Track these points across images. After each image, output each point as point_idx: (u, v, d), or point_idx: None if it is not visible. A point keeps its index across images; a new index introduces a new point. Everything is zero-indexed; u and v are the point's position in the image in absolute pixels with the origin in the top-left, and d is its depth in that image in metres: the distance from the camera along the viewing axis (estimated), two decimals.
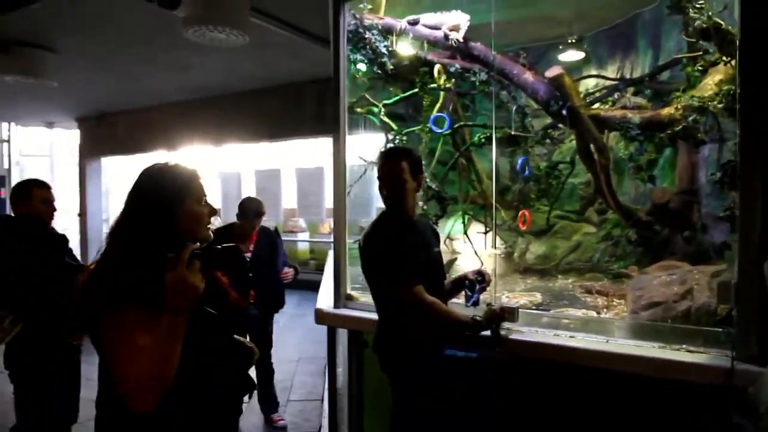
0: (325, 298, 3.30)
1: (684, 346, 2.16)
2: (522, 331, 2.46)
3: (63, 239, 2.98)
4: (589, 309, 3.05)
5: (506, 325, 2.50)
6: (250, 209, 4.47)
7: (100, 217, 11.95)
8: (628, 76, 5.80)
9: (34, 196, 2.88)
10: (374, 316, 2.78)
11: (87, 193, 11.62)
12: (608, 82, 5.39)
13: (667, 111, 3.34)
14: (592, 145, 3.66)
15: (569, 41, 5.73)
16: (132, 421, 1.39)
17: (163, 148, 11.01)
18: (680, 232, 4.36)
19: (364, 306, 2.91)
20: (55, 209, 3.02)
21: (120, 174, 13.59)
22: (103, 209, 12.34)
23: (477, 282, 2.48)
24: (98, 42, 6.41)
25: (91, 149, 11.53)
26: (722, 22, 2.79)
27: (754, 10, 1.98)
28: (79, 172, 11.78)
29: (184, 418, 1.48)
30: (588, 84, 5.71)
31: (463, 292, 2.53)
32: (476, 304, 2.45)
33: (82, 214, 11.62)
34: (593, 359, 2.21)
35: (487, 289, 2.53)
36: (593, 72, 6.08)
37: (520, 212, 4.09)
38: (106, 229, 9.75)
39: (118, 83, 8.63)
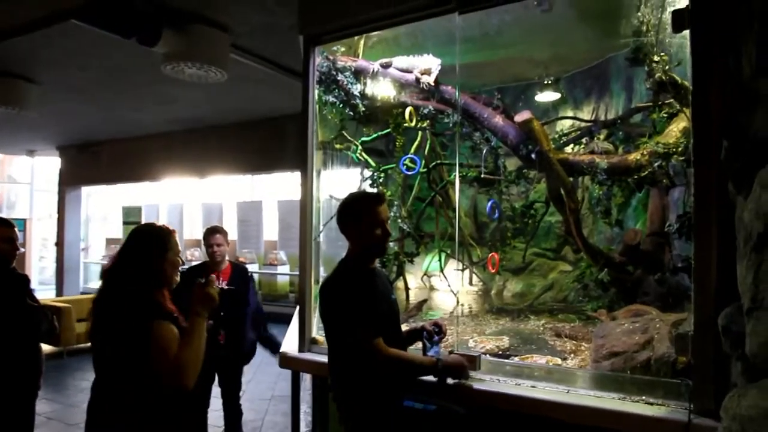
0: (291, 340, 3.25)
1: (643, 397, 2.14)
2: (483, 380, 2.43)
3: (24, 280, 2.92)
4: (556, 354, 3.02)
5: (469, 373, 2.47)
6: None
7: (78, 246, 11.81)
8: (602, 117, 5.91)
9: None
10: None
11: (65, 222, 11.51)
12: (583, 123, 5.48)
13: (633, 156, 3.38)
14: (561, 189, 3.69)
15: (546, 82, 5.85)
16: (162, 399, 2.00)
17: (145, 178, 11.00)
18: (652, 274, 4.38)
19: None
20: (17, 248, 2.96)
21: (100, 203, 13.53)
22: (81, 238, 12.21)
23: (435, 333, 2.43)
24: (81, 74, 6.44)
25: (72, 178, 11.47)
26: (678, 78, 2.86)
27: (704, 68, 2.03)
28: (59, 201, 11.69)
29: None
30: (564, 124, 5.80)
31: (420, 343, 2.47)
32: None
33: (60, 243, 11.49)
34: (554, 411, 2.18)
35: (443, 341, 2.49)
36: (569, 112, 6.18)
37: (490, 255, 4.09)
38: (84, 259, 9.64)
39: (100, 114, 8.65)
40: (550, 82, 5.92)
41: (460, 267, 5.99)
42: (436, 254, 6.02)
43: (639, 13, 3.01)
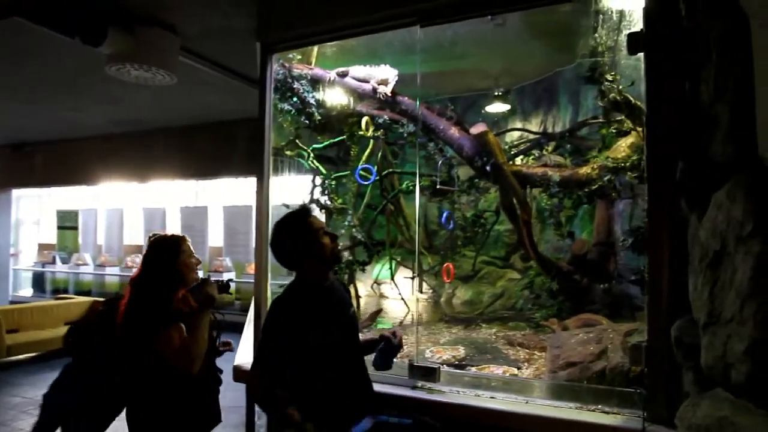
0: (245, 351, 3.17)
1: (599, 406, 2.20)
2: (443, 392, 2.44)
3: None
4: (511, 363, 3.07)
5: (428, 384, 2.47)
6: None
7: (7, 251, 11.14)
8: (550, 129, 6.09)
9: None
10: None
11: None
12: (532, 135, 5.63)
13: (584, 170, 3.50)
14: (514, 200, 3.77)
15: (496, 93, 5.98)
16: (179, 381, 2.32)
17: (83, 182, 10.52)
18: (598, 283, 4.53)
19: None
20: None
21: (32, 207, 12.86)
22: (11, 243, 11.55)
23: (392, 344, 2.32)
24: (17, 72, 6.09)
25: (2, 179, 10.84)
26: (632, 98, 2.98)
27: (657, 90, 2.12)
28: None
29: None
30: (513, 136, 5.95)
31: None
32: (388, 367, 2.32)
33: None
34: (514, 421, 2.21)
35: (399, 352, 2.39)
36: (518, 124, 6.34)
37: (445, 265, 4.13)
38: (15, 265, 9.10)
39: (38, 113, 8.21)
40: (500, 93, 6.06)
41: (413, 275, 6.05)
42: (387, 262, 6.03)
43: (596, 34, 3.11)
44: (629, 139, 3.49)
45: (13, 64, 5.82)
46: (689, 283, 1.91)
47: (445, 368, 2.68)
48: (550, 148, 4.91)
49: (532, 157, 4.44)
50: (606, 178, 3.34)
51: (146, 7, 4.43)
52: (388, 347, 2.33)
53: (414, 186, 5.29)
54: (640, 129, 3.01)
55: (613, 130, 3.61)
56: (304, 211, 2.35)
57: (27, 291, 11.89)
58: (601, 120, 3.68)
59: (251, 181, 9.96)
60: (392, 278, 5.79)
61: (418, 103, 3.39)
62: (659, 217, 2.16)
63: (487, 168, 3.55)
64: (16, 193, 11.41)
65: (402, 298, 5.61)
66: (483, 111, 5.91)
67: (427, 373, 2.48)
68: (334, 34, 2.86)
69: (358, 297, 5.89)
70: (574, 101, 5.79)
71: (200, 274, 2.63)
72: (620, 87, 3.00)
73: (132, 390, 2.43)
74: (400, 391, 2.47)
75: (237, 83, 6.21)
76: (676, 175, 1.91)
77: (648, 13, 2.16)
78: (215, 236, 10.33)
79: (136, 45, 4.66)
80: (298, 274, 2.29)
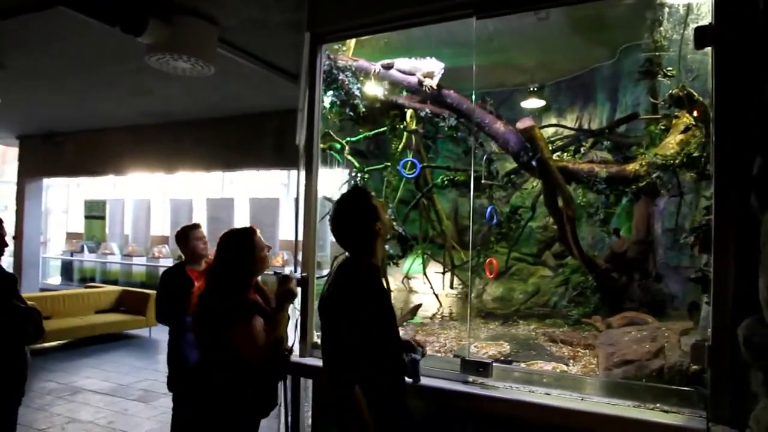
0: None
1: (658, 405, 2.16)
2: (497, 387, 2.42)
3: (11, 279, 2.76)
4: (557, 360, 3.04)
5: (480, 380, 2.46)
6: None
7: (38, 240, 11.33)
8: (585, 126, 6.01)
9: None
10: None
11: (25, 215, 11.02)
12: (567, 131, 5.56)
13: (632, 167, 3.44)
14: (558, 196, 3.72)
15: (531, 89, 5.92)
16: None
17: (112, 171, 10.65)
18: (637, 281, 4.47)
19: None
20: (6, 244, 2.80)
21: (60, 196, 13.05)
22: (41, 231, 11.73)
23: (412, 357, 2.25)
24: (52, 61, 6.17)
25: (33, 169, 10.99)
26: (695, 92, 2.92)
27: (727, 85, 2.07)
28: (17, 192, 11.18)
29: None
30: (547, 132, 5.88)
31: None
32: (416, 380, 2.24)
33: (18, 237, 11.00)
34: (571, 419, 2.18)
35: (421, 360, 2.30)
36: (552, 120, 6.27)
37: (488, 260, 4.09)
38: (44, 253, 9.26)
39: (68, 104, 8.32)
40: (535, 89, 6.00)
41: (444, 270, 6.03)
42: (418, 256, 6.02)
43: (661, 28, 3.05)
44: (678, 136, 3.42)
45: (46, 54, 5.90)
46: (760, 282, 1.87)
47: (496, 364, 2.64)
48: (587, 145, 4.84)
49: (577, 154, 4.37)
50: (655, 175, 3.28)
51: None
52: (417, 360, 2.26)
53: (448, 181, 5.28)
54: (701, 125, 2.95)
55: (662, 126, 3.54)
56: (367, 190, 2.31)
57: (55, 279, 12.08)
58: (655, 116, 3.60)
59: (278, 174, 10.03)
60: (424, 273, 5.78)
61: (474, 96, 3.34)
62: (726, 214, 2.11)
63: (533, 163, 3.50)
64: (45, 182, 11.57)
65: (434, 293, 5.60)
66: (517, 107, 5.87)
67: (480, 368, 2.45)
68: (387, 25, 2.83)
69: (389, 290, 5.89)
70: (613, 98, 5.70)
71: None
72: (683, 82, 2.94)
73: (202, 376, 2.47)
74: (452, 386, 2.45)
75: (267, 75, 6.23)
76: (750, 171, 1.86)
77: (719, 7, 2.10)
78: None
79: (176, 35, 4.69)
80: (359, 255, 2.10)
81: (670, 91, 3.01)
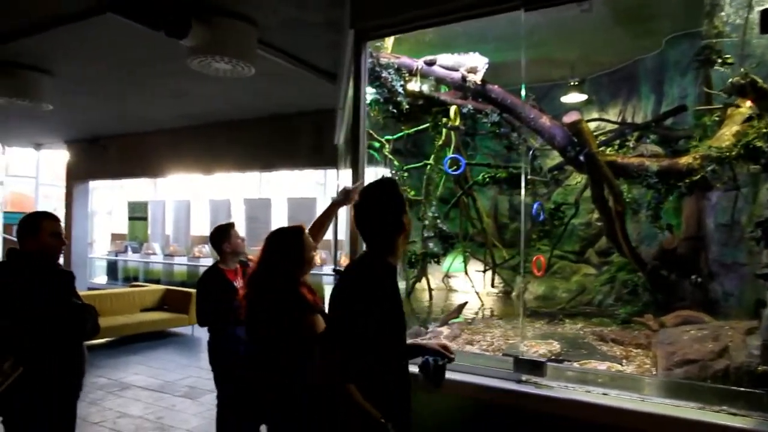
0: None
1: (724, 408, 2.08)
2: (551, 386, 2.37)
3: (70, 277, 2.83)
4: (609, 359, 2.96)
5: (534, 379, 2.41)
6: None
7: (85, 241, 11.67)
8: (629, 120, 5.87)
9: (43, 229, 2.72)
10: None
11: (73, 217, 11.36)
12: (610, 126, 5.43)
13: (685, 160, 3.33)
14: (606, 191, 3.63)
15: (572, 83, 5.80)
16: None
17: (152, 174, 10.89)
18: (688, 279, 4.34)
19: None
20: (64, 243, 2.87)
21: (105, 198, 13.40)
22: (88, 233, 12.08)
23: (437, 362, 2.07)
24: (96, 67, 6.33)
25: (80, 172, 11.33)
26: (759, 79, 2.80)
27: None
28: (66, 195, 11.54)
29: None
30: (589, 126, 5.76)
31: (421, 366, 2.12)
32: (438, 385, 2.07)
33: (66, 238, 11.33)
34: (631, 420, 2.12)
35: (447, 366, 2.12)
36: (594, 114, 6.14)
37: (535, 257, 4.02)
38: (91, 254, 9.53)
39: (112, 108, 8.53)
40: (575, 83, 5.88)
41: (485, 268, 5.96)
42: (459, 254, 5.97)
43: (722, 13, 2.94)
44: (732, 127, 3.29)
45: (91, 61, 6.05)
46: None
47: (550, 363, 2.59)
48: (633, 139, 4.72)
49: (622, 148, 4.26)
50: (710, 168, 3.16)
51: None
52: (443, 365, 2.08)
53: (489, 178, 5.22)
54: (766, 114, 2.83)
55: (716, 118, 3.42)
56: (395, 181, 2.15)
57: (101, 279, 12.42)
58: (714, 107, 3.46)
59: (315, 174, 10.06)
60: (465, 271, 5.73)
61: (523, 91, 3.27)
62: None
63: (581, 158, 3.42)
64: (91, 185, 11.91)
65: (476, 292, 5.55)
66: (557, 102, 5.76)
67: (534, 368, 2.41)
68: (433, 20, 2.79)
69: (430, 290, 5.86)
70: (658, 90, 5.55)
71: None
72: (744, 69, 2.82)
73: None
74: (505, 385, 2.41)
75: (304, 75, 6.26)
76: None
77: None
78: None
79: (218, 37, 4.75)
80: (376, 250, 1.96)
81: (731, 79, 2.89)
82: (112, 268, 12.39)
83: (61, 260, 9.25)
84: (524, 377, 2.43)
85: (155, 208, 11.88)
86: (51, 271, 2.72)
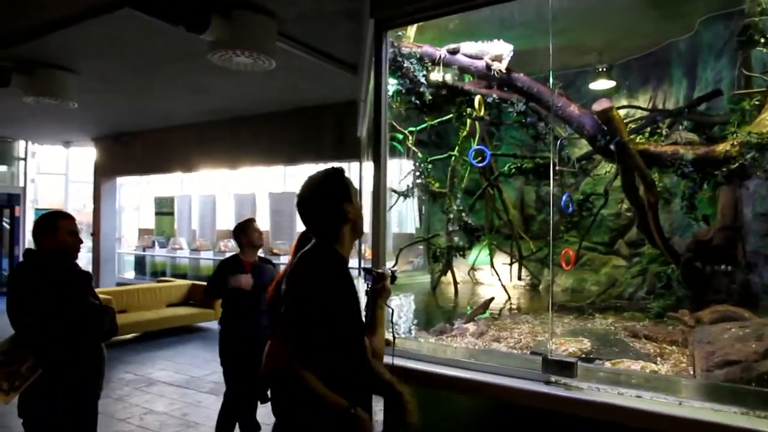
0: None
1: None
2: (581, 388, 2.26)
3: (87, 277, 2.82)
4: (643, 358, 2.84)
5: (564, 380, 2.30)
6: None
7: (113, 236, 11.85)
8: (660, 106, 5.66)
9: (60, 228, 2.71)
10: (424, 366, 2.64)
11: (101, 212, 11.53)
12: (639, 113, 5.24)
13: (722, 147, 3.16)
14: (638, 181, 3.48)
15: (598, 69, 5.62)
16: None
17: (178, 169, 10.97)
18: (725, 271, 4.16)
19: (408, 353, 2.71)
20: (81, 241, 2.86)
21: (132, 193, 13.58)
22: (116, 228, 12.25)
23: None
24: (119, 65, 6.37)
25: (107, 168, 11.49)
26: None
27: None
28: (94, 191, 11.71)
29: None
30: (620, 113, 5.56)
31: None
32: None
33: (96, 234, 11.52)
34: (669, 426, 2.00)
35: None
36: (623, 101, 5.94)
37: (564, 250, 3.90)
38: (119, 249, 9.66)
39: (136, 104, 8.60)
40: (603, 69, 5.69)
41: (511, 261, 5.84)
42: (484, 247, 5.85)
43: None
44: None
45: (116, 57, 6.08)
46: None
47: (581, 363, 2.48)
48: (664, 126, 4.54)
49: (654, 136, 4.09)
50: (750, 156, 3.00)
51: None
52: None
53: (515, 168, 5.08)
54: None
55: (756, 102, 3.24)
56: (343, 170, 2.03)
57: (130, 274, 12.59)
58: (753, 90, 3.29)
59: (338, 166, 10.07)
60: (491, 264, 5.62)
61: (551, 78, 3.15)
62: None
63: (611, 147, 3.28)
64: (118, 181, 12.07)
65: (502, 285, 5.43)
66: (585, 89, 5.59)
67: (564, 368, 2.30)
68: (455, 6, 2.68)
69: (456, 283, 5.76)
70: (690, 74, 5.33)
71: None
72: None
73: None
74: (533, 386, 2.31)
75: (325, 67, 6.20)
76: None
77: None
78: None
79: (237, 31, 4.71)
80: (324, 242, 1.92)
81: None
82: (140, 263, 12.55)
83: (89, 257, 9.38)
84: (553, 378, 2.33)
85: (181, 203, 11.97)
86: (68, 270, 2.70)
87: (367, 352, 2.00)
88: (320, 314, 1.77)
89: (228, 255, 4.88)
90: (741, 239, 4.28)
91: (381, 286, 2.16)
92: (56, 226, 2.71)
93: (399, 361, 2.58)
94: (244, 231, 4.25)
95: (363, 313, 2.18)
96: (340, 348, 1.85)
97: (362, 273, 2.28)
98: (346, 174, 2.03)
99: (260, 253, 4.50)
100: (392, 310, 2.29)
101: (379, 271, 2.21)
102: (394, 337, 2.40)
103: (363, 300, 2.25)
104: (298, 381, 1.72)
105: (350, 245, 1.99)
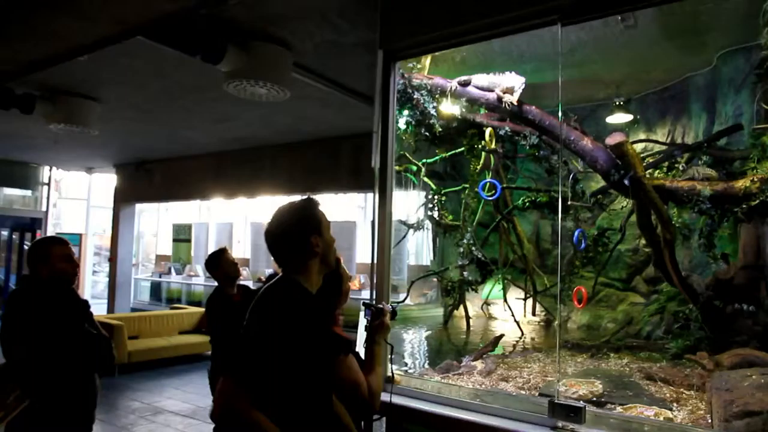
0: None
1: None
2: None
3: (84, 305, 2.75)
4: (658, 403, 2.70)
5: (571, 425, 2.19)
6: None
7: (130, 261, 11.93)
8: (679, 140, 5.57)
9: (53, 255, 2.66)
10: (426, 405, 2.54)
11: (119, 238, 11.64)
12: (657, 147, 5.16)
13: (741, 183, 3.06)
14: (654, 218, 3.38)
15: (616, 103, 5.57)
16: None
17: (196, 197, 11.07)
18: (747, 312, 4.01)
19: (410, 391, 2.62)
20: (77, 266, 2.81)
21: (150, 220, 13.73)
22: (133, 254, 12.35)
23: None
24: (141, 93, 6.47)
25: (127, 195, 11.64)
26: None
27: None
28: (113, 217, 11.86)
29: None
30: (635, 148, 5.48)
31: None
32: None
33: (113, 259, 11.63)
34: None
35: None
36: (641, 135, 5.87)
37: (576, 288, 3.79)
38: (135, 275, 9.70)
39: (157, 132, 8.72)
40: (621, 103, 5.64)
41: (525, 295, 5.71)
42: (498, 282, 5.74)
43: None
44: None
45: (139, 86, 6.18)
46: None
47: (589, 408, 2.36)
48: (683, 161, 4.45)
49: (672, 171, 4.00)
50: None
51: (261, 23, 4.50)
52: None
53: (530, 202, 5.00)
54: None
55: None
56: (316, 201, 1.95)
57: (146, 299, 12.64)
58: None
59: (355, 197, 10.04)
60: (504, 299, 5.50)
61: (560, 111, 3.09)
62: None
63: (625, 182, 3.20)
64: (138, 207, 12.21)
65: (515, 320, 5.30)
66: (602, 122, 5.53)
67: (571, 413, 2.19)
68: (464, 37, 2.66)
69: (468, 317, 5.64)
70: (710, 108, 5.24)
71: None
72: None
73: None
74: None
75: (343, 99, 6.23)
76: None
77: None
78: None
79: (253, 61, 4.75)
80: (291, 276, 1.82)
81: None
82: (155, 290, 12.59)
83: (106, 281, 9.40)
84: (560, 423, 2.22)
85: (199, 230, 12.05)
86: (64, 298, 2.65)
87: (333, 404, 1.85)
88: (279, 358, 1.68)
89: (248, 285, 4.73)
90: (764, 279, 4.13)
91: (380, 321, 2.09)
92: (49, 253, 2.66)
93: (399, 400, 2.50)
94: (218, 264, 3.99)
95: (361, 349, 2.11)
96: (300, 395, 1.73)
97: (362, 307, 2.21)
98: (320, 206, 1.96)
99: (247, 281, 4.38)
100: (392, 346, 2.21)
101: (379, 306, 2.14)
102: (392, 374, 2.32)
103: (362, 335, 2.18)
104: (249, 424, 1.63)
105: (318, 279, 1.90)
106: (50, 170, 13.16)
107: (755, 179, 3.00)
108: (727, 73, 4.83)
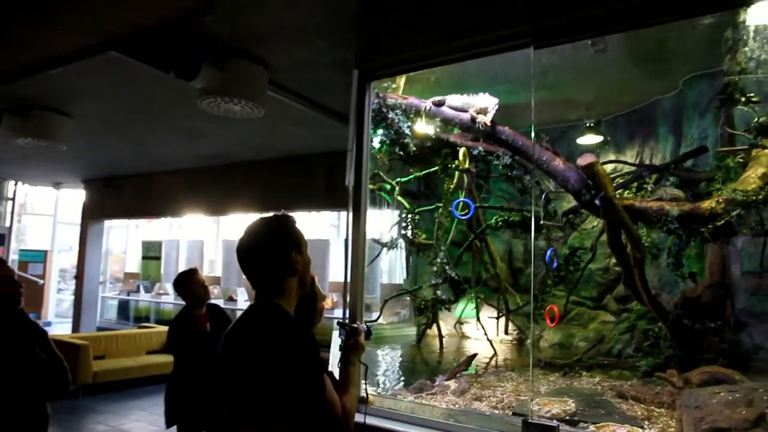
0: None
1: None
2: None
3: (33, 327, 2.56)
4: (629, 421, 2.73)
5: None
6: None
7: (97, 280, 11.63)
8: (647, 161, 5.71)
9: None
10: (393, 425, 2.51)
11: (86, 255, 11.36)
12: (626, 168, 5.28)
13: (707, 204, 3.15)
14: (624, 237, 3.45)
15: (587, 125, 5.70)
16: None
17: (167, 214, 10.89)
18: (714, 329, 4.10)
19: (384, 411, 2.60)
20: (20, 286, 2.66)
21: (119, 237, 13.46)
22: (101, 272, 12.05)
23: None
24: (112, 108, 6.37)
25: (95, 211, 11.38)
26: None
27: None
28: (81, 234, 11.56)
29: None
30: (606, 169, 5.60)
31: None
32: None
33: (79, 277, 11.33)
34: None
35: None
36: (611, 156, 6.00)
37: (548, 307, 3.82)
38: (102, 293, 9.39)
39: (127, 148, 8.58)
40: (590, 124, 5.77)
41: (498, 314, 5.74)
42: (471, 300, 5.76)
43: (746, 48, 2.81)
44: (759, 169, 3.12)
45: (112, 101, 6.09)
46: None
47: (563, 428, 2.37)
48: (651, 182, 4.56)
49: (640, 191, 4.09)
50: (735, 213, 2.98)
51: (238, 41, 4.48)
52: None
53: (502, 221, 5.05)
54: None
55: (740, 160, 3.25)
56: (293, 218, 1.84)
57: (113, 318, 12.32)
58: (737, 147, 3.30)
59: (328, 215, 9.99)
60: (477, 318, 5.51)
61: (533, 131, 3.14)
62: None
63: (596, 202, 3.26)
64: (106, 224, 11.95)
65: (488, 339, 5.31)
66: (573, 144, 5.65)
67: None
68: (439, 58, 2.70)
69: (441, 336, 5.64)
70: (676, 131, 5.40)
71: None
72: None
73: None
74: None
75: (318, 117, 6.22)
76: None
77: None
78: None
79: (228, 78, 4.73)
80: (267, 298, 1.70)
81: (757, 119, 2.73)
82: (123, 308, 12.29)
83: (71, 299, 9.16)
84: None
85: (169, 248, 11.83)
86: (10, 321, 2.53)
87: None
88: (266, 395, 1.58)
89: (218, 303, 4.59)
90: (730, 297, 4.24)
91: (354, 341, 2.04)
92: None
93: (373, 420, 2.47)
94: (187, 285, 3.82)
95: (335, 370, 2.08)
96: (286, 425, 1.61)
97: (336, 327, 2.18)
98: (297, 224, 1.85)
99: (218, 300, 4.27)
100: (366, 366, 2.18)
101: (354, 325, 2.11)
102: (367, 395, 2.29)
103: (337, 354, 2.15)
104: None
105: (296, 300, 1.79)
106: (15, 185, 12.83)
107: (720, 200, 3.09)
108: (692, 97, 4.99)
